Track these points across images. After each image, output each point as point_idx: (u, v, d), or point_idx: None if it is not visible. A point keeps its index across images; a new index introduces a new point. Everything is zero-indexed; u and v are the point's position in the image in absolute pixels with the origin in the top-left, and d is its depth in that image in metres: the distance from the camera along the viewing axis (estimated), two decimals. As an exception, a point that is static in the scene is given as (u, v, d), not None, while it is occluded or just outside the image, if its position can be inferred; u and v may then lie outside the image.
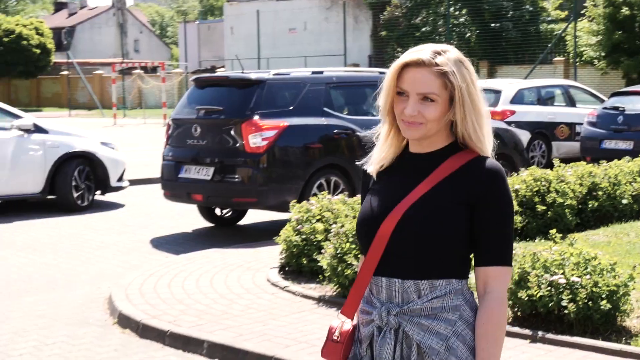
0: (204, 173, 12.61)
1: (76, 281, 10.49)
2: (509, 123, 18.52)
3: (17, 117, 15.80)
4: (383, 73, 14.31)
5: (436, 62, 2.99)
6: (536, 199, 11.24)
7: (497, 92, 21.20)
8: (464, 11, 41.05)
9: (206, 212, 13.85)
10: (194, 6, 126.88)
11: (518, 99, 21.41)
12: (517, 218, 10.84)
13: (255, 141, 12.00)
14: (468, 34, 41.06)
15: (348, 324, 3.19)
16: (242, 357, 7.37)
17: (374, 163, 3.23)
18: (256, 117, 12.06)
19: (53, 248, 12.53)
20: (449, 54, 3.03)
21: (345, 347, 3.18)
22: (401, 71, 3.05)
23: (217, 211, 13.96)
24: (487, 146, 3.11)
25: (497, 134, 15.11)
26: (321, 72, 13.71)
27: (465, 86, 3.00)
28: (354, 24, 50.91)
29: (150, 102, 54.62)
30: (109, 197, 16.91)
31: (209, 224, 13.95)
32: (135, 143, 26.35)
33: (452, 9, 39.87)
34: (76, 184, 15.66)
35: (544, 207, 11.18)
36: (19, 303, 9.50)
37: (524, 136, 19.66)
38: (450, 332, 2.97)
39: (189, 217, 14.31)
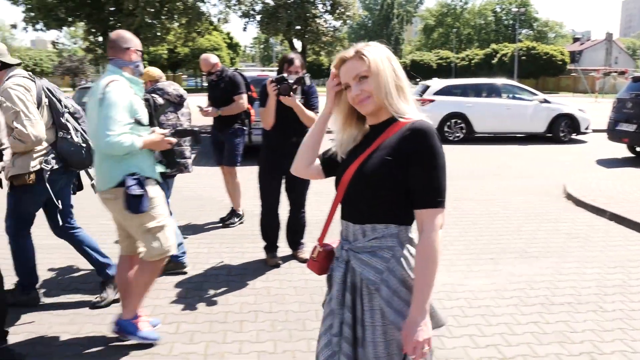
0: (630, 128, 11.25)
1: (537, 176, 9.84)
2: None
3: (535, 95, 15.33)
4: None
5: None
6: None
7: None
8: None
9: (631, 149, 12.19)
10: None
11: None
12: None
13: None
14: None
15: (323, 248, 2.16)
16: (626, 223, 6.56)
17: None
18: None
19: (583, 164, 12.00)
20: (371, 46, 1.97)
21: (320, 265, 2.16)
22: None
23: (638, 149, 12.15)
24: (407, 110, 1.94)
25: None
26: None
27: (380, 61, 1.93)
28: None
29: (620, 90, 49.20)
30: (579, 137, 15.51)
31: (629, 154, 12.30)
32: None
33: None
34: (562, 129, 14.84)
35: None
36: (503, 185, 9.20)
37: None
38: (384, 267, 1.91)
39: (614, 151, 12.77)
